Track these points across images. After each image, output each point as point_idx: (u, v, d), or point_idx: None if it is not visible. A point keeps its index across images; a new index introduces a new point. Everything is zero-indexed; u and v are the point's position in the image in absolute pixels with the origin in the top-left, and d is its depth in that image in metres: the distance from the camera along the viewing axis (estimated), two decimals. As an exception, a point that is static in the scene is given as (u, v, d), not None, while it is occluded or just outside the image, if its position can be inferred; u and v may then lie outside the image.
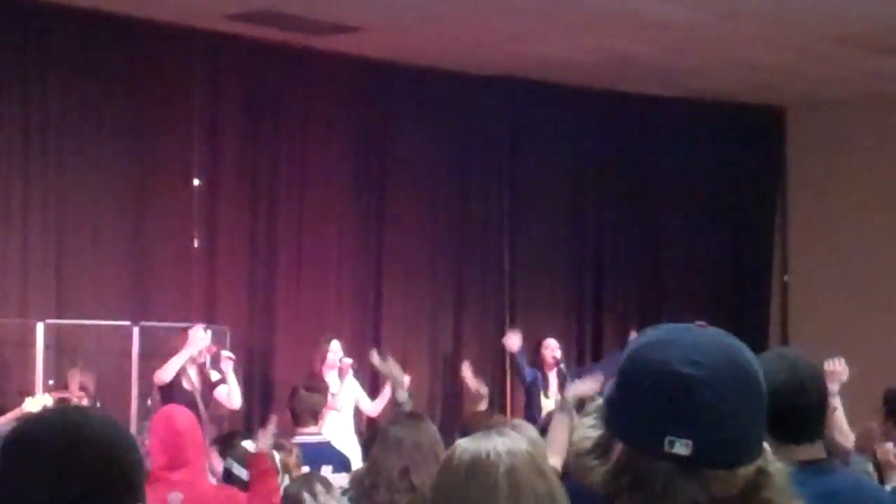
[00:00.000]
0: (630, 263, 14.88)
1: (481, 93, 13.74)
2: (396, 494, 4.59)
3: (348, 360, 10.96)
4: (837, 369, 7.00)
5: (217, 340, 11.07)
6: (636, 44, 12.32)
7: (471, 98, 13.73)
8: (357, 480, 4.74)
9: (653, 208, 14.93)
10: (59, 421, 2.07)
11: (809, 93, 14.46)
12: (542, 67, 13.44)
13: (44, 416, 2.17)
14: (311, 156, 12.96)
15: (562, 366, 11.97)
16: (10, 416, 9.32)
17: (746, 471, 1.81)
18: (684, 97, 14.52)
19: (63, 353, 11.10)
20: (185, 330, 10.44)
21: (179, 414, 5.92)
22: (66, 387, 10.42)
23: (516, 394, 13.29)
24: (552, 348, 12.18)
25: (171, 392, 9.91)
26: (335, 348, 10.99)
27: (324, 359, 10.90)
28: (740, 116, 14.89)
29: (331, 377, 10.77)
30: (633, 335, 12.16)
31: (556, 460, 5.34)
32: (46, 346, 10.70)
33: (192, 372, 10.18)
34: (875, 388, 8.25)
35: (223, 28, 12.10)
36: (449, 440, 4.82)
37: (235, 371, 10.47)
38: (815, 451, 3.41)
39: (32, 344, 10.72)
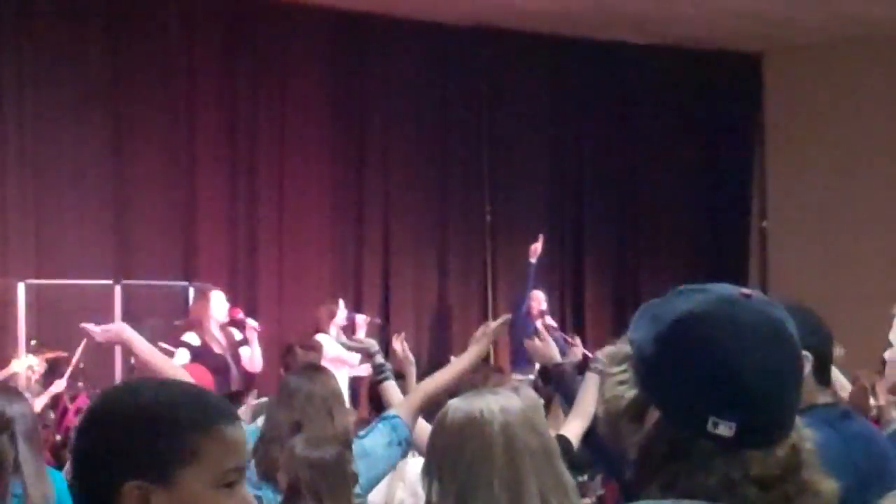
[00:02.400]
0: (610, 212, 14.86)
1: (458, 43, 13.67)
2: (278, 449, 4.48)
3: (363, 316, 11.03)
4: None
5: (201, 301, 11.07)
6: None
7: (448, 48, 13.66)
8: (262, 434, 4.64)
9: (631, 156, 14.91)
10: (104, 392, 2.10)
11: (786, 38, 14.45)
12: (518, 17, 13.39)
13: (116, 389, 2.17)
14: (291, 110, 12.90)
15: (547, 317, 11.95)
16: (-2, 375, 9.30)
17: (782, 449, 1.80)
18: (660, 44, 14.48)
19: (44, 312, 11.08)
20: (206, 293, 10.35)
21: (195, 374, 5.93)
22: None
23: (500, 351, 13.29)
24: (539, 300, 12.17)
25: (202, 355, 9.83)
26: (341, 307, 10.99)
27: (332, 315, 10.87)
28: (718, 63, 14.86)
29: (333, 334, 10.80)
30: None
31: (578, 423, 5.24)
32: (28, 306, 10.66)
33: (218, 334, 10.07)
34: (852, 337, 8.27)
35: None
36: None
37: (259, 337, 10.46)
38: (828, 395, 3.52)
39: (14, 304, 10.69)
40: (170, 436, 1.97)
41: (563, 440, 5.00)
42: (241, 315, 10.20)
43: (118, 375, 10.56)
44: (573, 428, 5.16)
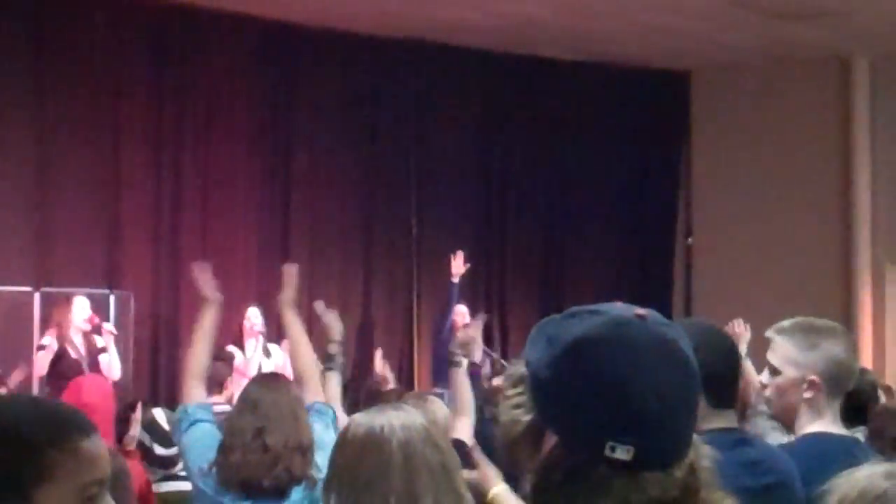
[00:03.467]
0: (535, 228, 14.89)
1: (390, 55, 13.66)
2: (249, 455, 4.54)
3: (259, 328, 11.00)
4: (738, 331, 7.15)
5: (122, 306, 10.97)
6: (544, 8, 12.33)
7: (380, 61, 13.64)
8: (220, 444, 4.68)
9: (558, 172, 14.93)
10: None
11: (713, 58, 14.57)
12: (450, 31, 13.40)
13: None
14: (217, 117, 12.82)
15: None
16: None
17: (680, 469, 1.78)
18: (591, 61, 14.54)
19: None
20: (69, 297, 10.37)
21: (89, 385, 5.86)
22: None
23: (423, 359, 13.28)
24: (462, 315, 12.16)
25: (59, 360, 9.88)
26: (252, 315, 10.97)
27: (241, 326, 10.89)
28: (646, 81, 14.93)
29: (249, 344, 10.78)
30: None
31: (465, 420, 5.34)
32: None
33: (78, 340, 10.12)
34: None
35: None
36: (354, 409, 4.84)
37: (118, 343, 10.40)
38: (730, 418, 3.47)
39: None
40: (23, 454, 1.92)
41: (458, 444, 5.07)
42: (97, 320, 10.25)
43: (34, 384, 10.43)
44: (463, 427, 5.30)
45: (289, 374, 9.61)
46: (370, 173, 13.82)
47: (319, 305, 6.07)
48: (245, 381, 7.63)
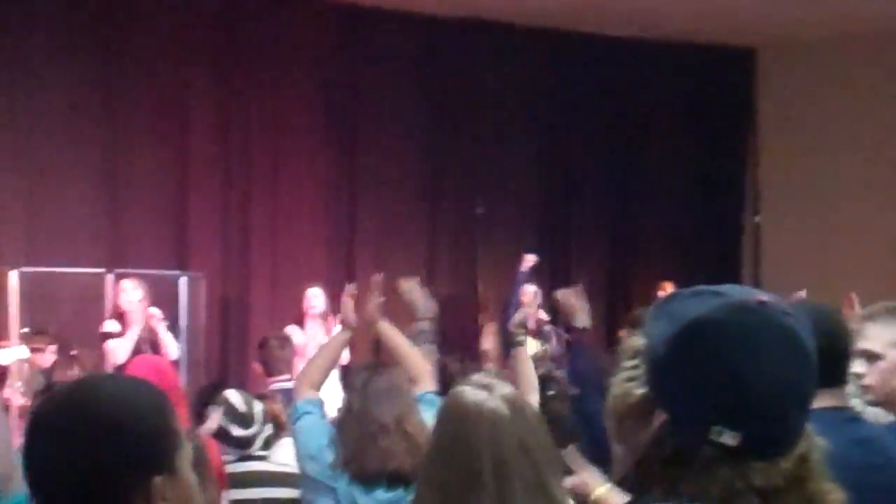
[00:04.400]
0: (601, 207, 14.81)
1: (452, 36, 13.65)
2: (393, 443, 4.58)
3: (320, 309, 10.99)
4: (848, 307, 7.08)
5: (193, 288, 11.06)
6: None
7: (442, 41, 13.64)
8: (344, 431, 4.71)
9: (624, 152, 14.87)
10: (66, 399, 2.08)
11: (780, 34, 14.44)
12: (512, 10, 13.37)
13: (54, 395, 2.15)
14: (284, 99, 12.85)
15: (540, 311, 11.88)
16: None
17: (788, 460, 1.78)
18: (654, 39, 14.46)
19: (37, 301, 11.06)
20: (118, 278, 10.39)
21: (144, 365, 5.92)
22: (40, 333, 10.39)
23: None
24: (529, 294, 12.11)
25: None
26: (311, 295, 10.97)
27: (308, 307, 10.90)
28: (712, 58, 14.83)
29: (309, 326, 10.79)
30: (664, 290, 12.14)
31: (533, 397, 5.35)
32: (20, 295, 10.64)
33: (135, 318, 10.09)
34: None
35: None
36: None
37: (190, 323, 10.49)
38: (841, 396, 3.45)
39: (5, 292, 10.66)
40: (165, 427, 2.04)
41: None
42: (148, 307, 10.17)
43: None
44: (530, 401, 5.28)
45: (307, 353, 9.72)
46: (435, 153, 13.81)
47: (408, 283, 6.01)
48: (303, 363, 7.73)
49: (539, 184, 14.54)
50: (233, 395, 6.21)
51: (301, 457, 4.82)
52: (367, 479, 4.59)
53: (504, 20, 13.65)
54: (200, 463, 4.10)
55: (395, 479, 4.59)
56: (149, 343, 9.88)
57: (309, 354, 9.46)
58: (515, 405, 2.79)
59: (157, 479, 1.98)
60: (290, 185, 12.79)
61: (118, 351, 9.66)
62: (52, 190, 11.68)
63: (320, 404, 4.94)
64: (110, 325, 9.98)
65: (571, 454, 3.49)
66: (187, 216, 12.27)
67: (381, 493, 4.62)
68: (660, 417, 1.81)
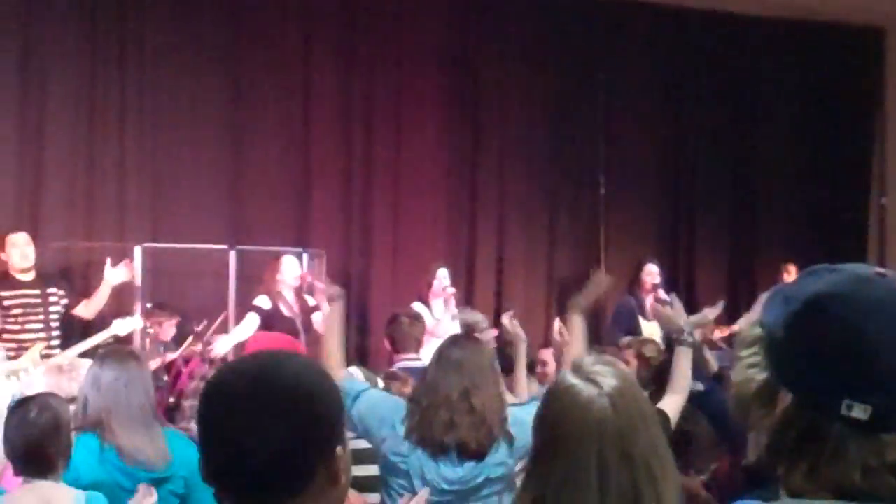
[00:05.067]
0: (724, 187, 14.63)
1: (572, 14, 13.56)
2: (456, 415, 4.59)
3: (452, 290, 11.01)
4: None
5: (315, 265, 11.11)
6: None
7: (562, 19, 13.54)
8: (415, 400, 4.73)
9: (748, 132, 14.68)
10: (256, 369, 2.08)
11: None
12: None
13: (240, 364, 2.18)
14: (407, 80, 12.86)
15: (661, 292, 11.84)
16: (100, 336, 9.43)
17: None
18: (780, 17, 14.25)
19: (160, 276, 11.22)
20: (277, 258, 10.44)
21: (268, 342, 5.96)
22: (161, 307, 10.55)
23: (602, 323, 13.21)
24: (652, 275, 12.06)
25: (272, 318, 9.96)
26: (442, 276, 11.01)
27: (429, 285, 10.93)
28: (840, 37, 14.57)
29: (436, 304, 10.83)
30: (788, 272, 11.99)
31: (677, 399, 5.27)
32: (144, 270, 10.79)
33: (290, 296, 10.20)
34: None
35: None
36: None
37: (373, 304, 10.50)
38: None
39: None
40: (340, 399, 2.12)
41: (661, 414, 5.05)
42: (309, 278, 10.20)
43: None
44: (671, 403, 5.26)
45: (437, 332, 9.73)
46: (557, 129, 13.72)
47: (507, 317, 6.13)
48: (434, 341, 7.74)
49: (659, 164, 14.39)
50: (355, 372, 6.22)
51: (375, 439, 4.81)
52: (430, 450, 4.60)
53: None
54: None
55: (463, 454, 4.60)
56: (300, 319, 9.98)
57: (441, 334, 9.55)
58: (622, 402, 2.69)
59: (339, 450, 2.04)
60: (412, 160, 12.80)
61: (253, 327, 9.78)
62: (176, 168, 11.83)
63: (356, 375, 4.96)
64: (261, 301, 10.05)
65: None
66: (309, 193, 12.35)
67: (449, 468, 4.62)
68: (785, 399, 1.79)
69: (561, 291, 13.21)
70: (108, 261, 9.99)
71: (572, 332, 5.31)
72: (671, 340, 5.86)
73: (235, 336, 9.89)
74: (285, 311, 9.97)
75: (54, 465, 4.71)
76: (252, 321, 9.90)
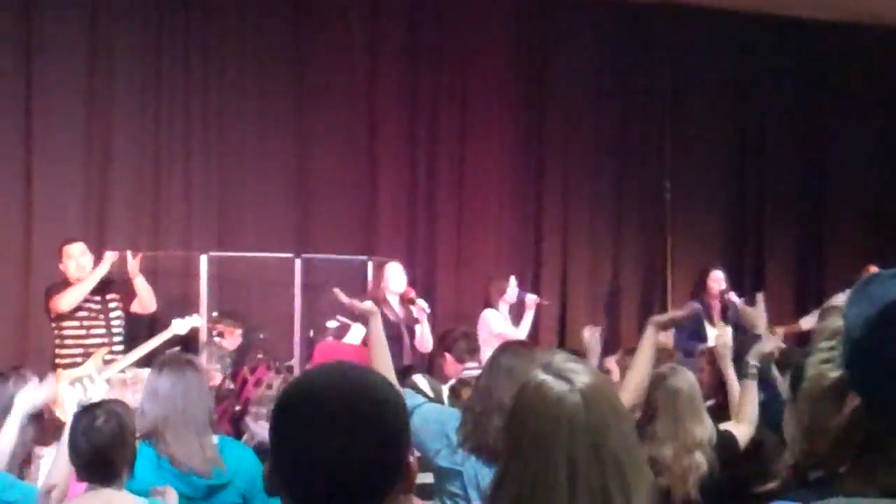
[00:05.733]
0: (793, 193, 14.50)
1: (640, 20, 13.48)
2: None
3: (533, 297, 11.05)
4: None
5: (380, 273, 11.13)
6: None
7: (630, 25, 13.47)
8: (468, 408, 4.70)
9: (817, 135, 14.51)
10: (331, 381, 2.07)
11: None
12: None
13: (313, 375, 2.16)
14: (472, 87, 12.85)
15: (727, 296, 11.72)
16: (160, 338, 9.48)
17: None
18: (851, 21, 14.06)
19: (225, 285, 11.25)
20: (383, 265, 10.47)
21: (326, 351, 5.95)
22: (226, 315, 10.58)
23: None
24: (719, 281, 11.94)
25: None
26: (513, 284, 11.03)
27: (502, 292, 10.93)
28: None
29: (503, 311, 10.84)
30: (867, 272, 11.86)
31: (746, 428, 5.26)
32: (209, 278, 10.82)
33: (395, 302, 10.19)
34: None
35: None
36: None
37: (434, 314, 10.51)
38: None
39: (196, 276, 10.86)
40: (406, 411, 2.14)
41: (730, 438, 5.02)
42: (412, 294, 10.19)
43: (296, 349, 10.66)
44: (741, 432, 5.40)
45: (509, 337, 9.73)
46: (623, 136, 13.64)
47: (588, 330, 6.10)
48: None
49: (729, 168, 14.27)
50: (420, 381, 6.20)
51: (429, 452, 4.81)
52: (485, 457, 4.56)
53: (692, 2, 13.43)
54: None
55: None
56: (405, 325, 9.99)
57: (510, 337, 9.59)
58: (594, 400, 2.62)
59: (412, 460, 2.06)
60: (476, 169, 12.78)
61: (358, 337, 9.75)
62: (242, 177, 11.87)
63: (412, 392, 4.95)
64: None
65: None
66: (375, 202, 12.35)
67: None
68: (854, 401, 1.76)
69: (627, 300, 13.14)
70: (129, 254, 10.06)
71: (643, 345, 5.26)
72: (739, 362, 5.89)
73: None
74: (390, 317, 9.93)
75: (118, 473, 4.71)
76: (357, 332, 9.88)
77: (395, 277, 10.25)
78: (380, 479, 1.98)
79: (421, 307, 10.06)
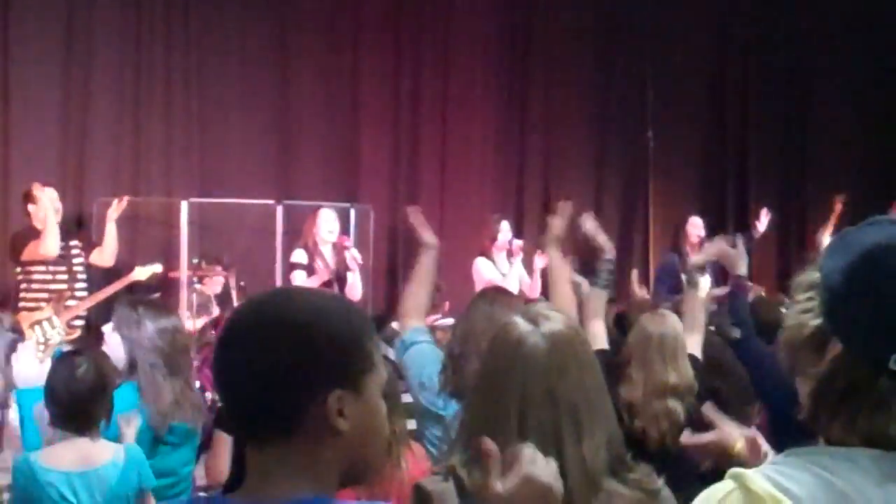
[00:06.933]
0: (776, 138, 14.51)
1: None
2: None
3: (519, 242, 10.88)
4: None
5: (362, 220, 11.08)
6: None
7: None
8: (448, 352, 4.70)
9: (800, 84, 14.53)
10: (258, 304, 2.00)
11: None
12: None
13: (247, 302, 2.07)
14: (456, 32, 12.81)
15: (705, 243, 11.70)
16: (120, 283, 9.44)
17: None
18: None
19: (206, 231, 11.22)
20: (316, 210, 10.26)
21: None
22: (214, 261, 10.55)
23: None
24: (697, 227, 11.91)
25: (307, 273, 9.82)
26: (505, 229, 10.88)
27: (494, 238, 10.78)
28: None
29: (499, 257, 10.72)
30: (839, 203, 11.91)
31: (695, 338, 5.31)
32: (190, 224, 10.78)
33: (327, 252, 9.97)
34: None
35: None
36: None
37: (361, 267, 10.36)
38: None
39: (177, 223, 10.82)
40: (353, 347, 1.94)
41: (691, 358, 5.07)
42: (347, 243, 10.04)
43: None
44: (693, 342, 5.36)
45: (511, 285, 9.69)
46: (605, 86, 13.64)
47: (588, 220, 6.00)
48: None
49: (710, 110, 14.28)
50: (399, 327, 6.17)
51: (413, 386, 4.79)
52: (464, 399, 4.56)
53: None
54: (392, 395, 4.09)
55: None
56: (336, 279, 9.83)
57: (510, 288, 9.49)
58: (557, 344, 2.65)
59: (337, 392, 1.89)
60: (459, 116, 12.77)
61: (302, 283, 9.57)
62: (224, 124, 11.81)
63: (427, 331, 4.91)
64: (298, 256, 9.87)
65: (708, 409, 3.38)
66: (357, 149, 12.32)
67: None
68: (835, 349, 1.77)
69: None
70: (115, 203, 9.95)
71: (552, 270, 5.26)
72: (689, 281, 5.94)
73: None
74: (320, 265, 9.79)
75: (96, 422, 4.68)
76: (300, 279, 9.75)
77: (327, 224, 9.98)
78: (280, 406, 1.88)
79: (353, 256, 9.89)
